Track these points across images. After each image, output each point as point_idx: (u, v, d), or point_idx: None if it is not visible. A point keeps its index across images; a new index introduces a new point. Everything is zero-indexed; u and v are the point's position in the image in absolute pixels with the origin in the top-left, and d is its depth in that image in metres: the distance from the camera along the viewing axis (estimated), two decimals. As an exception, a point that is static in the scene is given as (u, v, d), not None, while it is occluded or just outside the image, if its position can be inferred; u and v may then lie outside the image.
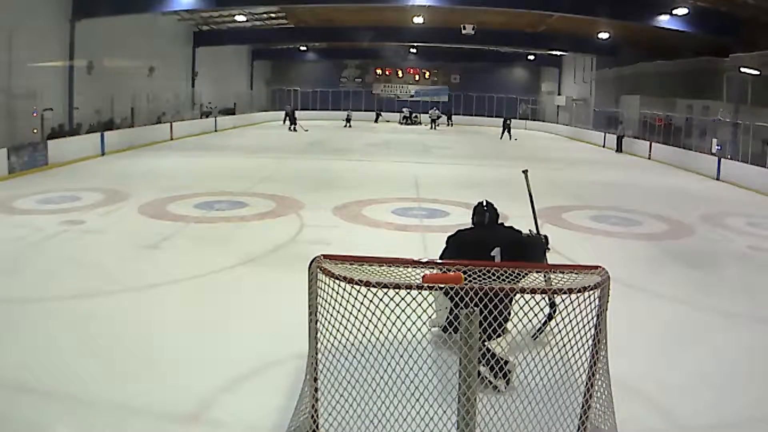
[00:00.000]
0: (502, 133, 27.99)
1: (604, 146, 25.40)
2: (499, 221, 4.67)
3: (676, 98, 21.92)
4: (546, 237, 5.05)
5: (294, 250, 7.62)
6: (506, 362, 3.74)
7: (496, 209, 4.61)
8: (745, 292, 6.54)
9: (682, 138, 20.24)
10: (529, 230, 4.98)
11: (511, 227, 4.73)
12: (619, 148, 23.72)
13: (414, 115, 36.69)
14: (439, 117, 34.83)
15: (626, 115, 25.47)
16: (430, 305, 2.85)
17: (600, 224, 9.75)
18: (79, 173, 13.96)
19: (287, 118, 28.82)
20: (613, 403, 3.01)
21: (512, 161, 17.71)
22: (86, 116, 18.13)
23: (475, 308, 2.63)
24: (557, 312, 3.38)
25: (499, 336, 3.06)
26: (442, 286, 2.70)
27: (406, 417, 3.02)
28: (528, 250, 4.59)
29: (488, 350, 3.43)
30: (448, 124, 35.62)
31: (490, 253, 4.30)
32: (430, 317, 3.19)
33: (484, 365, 3.55)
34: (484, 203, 4.65)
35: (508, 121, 28.65)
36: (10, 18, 14.43)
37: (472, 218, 4.65)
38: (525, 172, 5.49)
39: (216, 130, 26.89)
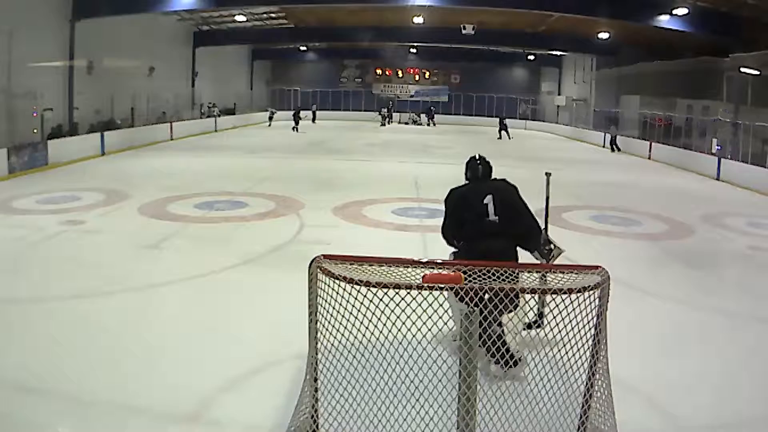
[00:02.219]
0: (499, 132, 27.94)
1: (604, 146, 25.37)
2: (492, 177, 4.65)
3: (676, 98, 21.92)
4: (550, 241, 4.98)
5: (294, 250, 7.62)
6: (512, 356, 3.61)
7: (489, 163, 4.60)
8: (745, 292, 6.54)
9: (682, 138, 20.24)
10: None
11: (504, 179, 4.63)
12: (612, 148, 23.84)
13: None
14: (413, 117, 36.01)
15: (617, 115, 25.58)
16: (450, 318, 2.84)
17: (600, 224, 9.75)
18: (79, 173, 13.97)
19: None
20: (613, 403, 3.01)
21: (512, 161, 17.67)
22: (86, 116, 18.14)
23: (475, 308, 2.63)
24: (544, 324, 3.35)
25: (510, 312, 2.94)
26: (443, 285, 2.69)
27: (406, 417, 3.02)
28: (520, 205, 4.46)
29: (500, 337, 3.24)
30: (428, 124, 35.34)
31: (482, 201, 4.32)
32: (451, 330, 3.12)
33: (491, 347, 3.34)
34: (477, 157, 4.64)
35: (504, 121, 28.61)
36: (10, 18, 14.42)
37: (466, 174, 4.66)
38: (548, 174, 5.41)
39: (216, 130, 26.91)
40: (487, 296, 2.64)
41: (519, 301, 3.31)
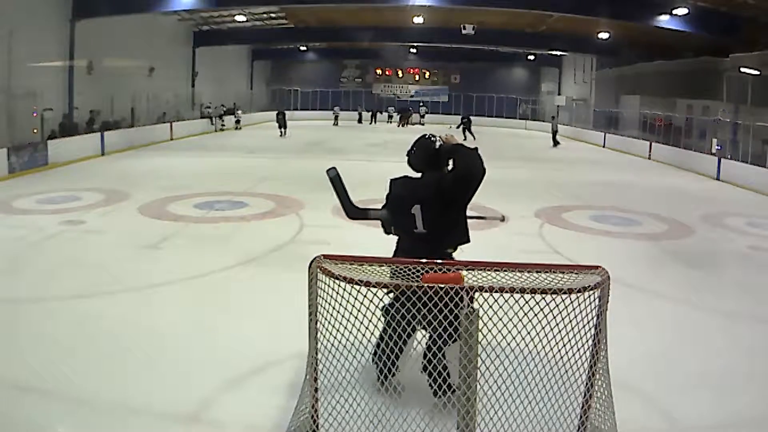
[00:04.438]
0: (464, 132, 25.61)
1: (604, 146, 25.40)
2: (442, 162, 3.72)
3: (676, 98, 21.93)
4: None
5: (294, 250, 7.62)
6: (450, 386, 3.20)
7: (424, 149, 3.75)
8: (745, 292, 6.54)
9: (682, 138, 20.25)
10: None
11: (440, 174, 3.71)
12: (554, 143, 23.92)
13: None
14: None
15: (558, 111, 26.59)
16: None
17: (600, 224, 9.74)
18: (79, 173, 13.96)
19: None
20: (613, 403, 3.01)
21: (512, 161, 17.70)
22: (86, 116, 18.14)
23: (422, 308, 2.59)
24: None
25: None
26: (443, 285, 2.69)
27: (406, 417, 3.02)
28: (454, 186, 3.57)
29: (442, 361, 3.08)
30: (401, 124, 33.96)
31: (410, 209, 3.63)
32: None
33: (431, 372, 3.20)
34: (412, 145, 3.83)
35: (465, 120, 26.64)
36: (10, 18, 14.43)
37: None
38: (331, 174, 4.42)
39: (216, 130, 26.89)
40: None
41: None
